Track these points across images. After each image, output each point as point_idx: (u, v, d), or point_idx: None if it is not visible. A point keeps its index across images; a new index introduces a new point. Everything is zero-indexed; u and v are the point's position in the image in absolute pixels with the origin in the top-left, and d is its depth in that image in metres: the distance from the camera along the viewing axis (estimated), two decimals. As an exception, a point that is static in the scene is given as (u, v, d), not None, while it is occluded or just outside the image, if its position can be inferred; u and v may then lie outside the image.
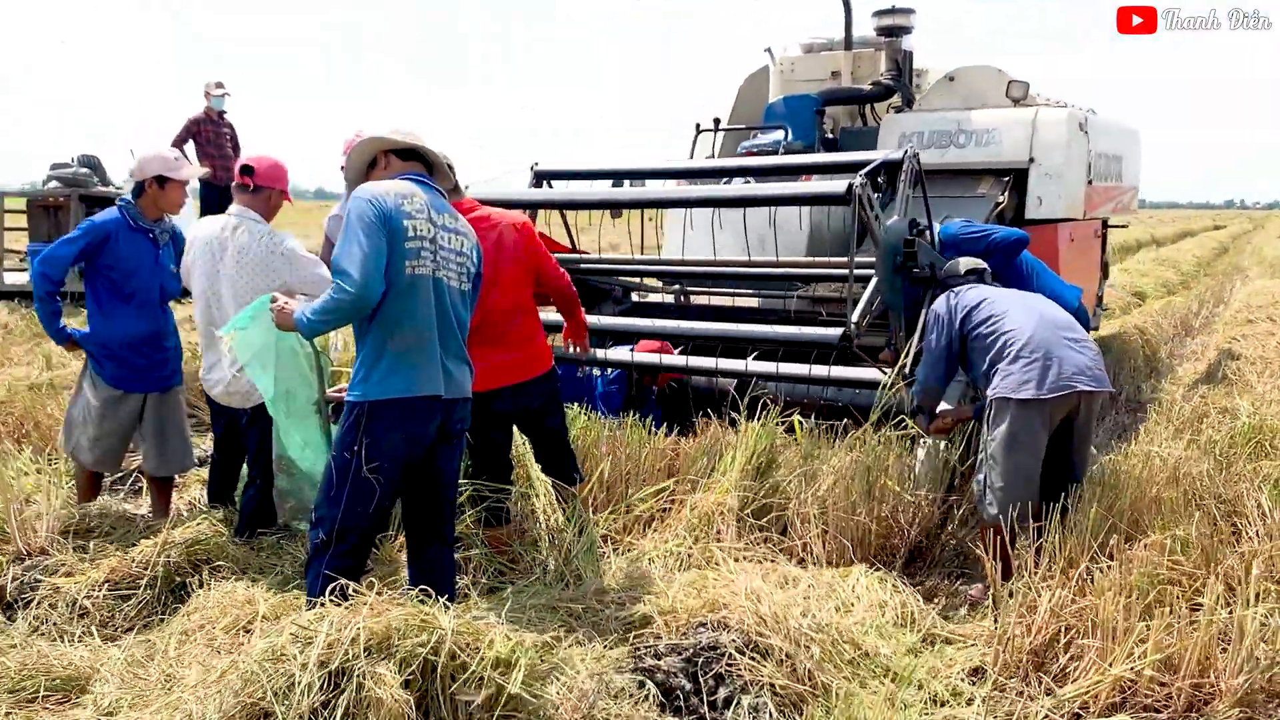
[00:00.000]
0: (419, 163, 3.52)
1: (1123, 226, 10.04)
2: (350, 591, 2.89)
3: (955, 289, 4.39)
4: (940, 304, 4.36)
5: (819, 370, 4.90)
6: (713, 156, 7.56)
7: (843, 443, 4.64)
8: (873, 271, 4.74)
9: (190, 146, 10.60)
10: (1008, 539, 3.97)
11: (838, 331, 4.56)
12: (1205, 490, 4.47)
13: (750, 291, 6.38)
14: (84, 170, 11.40)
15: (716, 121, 7.61)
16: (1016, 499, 4.00)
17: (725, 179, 5.93)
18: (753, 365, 5.04)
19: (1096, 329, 9.34)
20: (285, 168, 4.50)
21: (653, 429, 5.06)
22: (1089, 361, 4.08)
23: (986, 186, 6.84)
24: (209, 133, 10.64)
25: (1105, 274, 9.22)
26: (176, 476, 5.07)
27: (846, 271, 4.80)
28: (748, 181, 6.57)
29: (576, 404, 5.23)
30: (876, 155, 4.96)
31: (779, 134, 7.51)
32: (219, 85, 10.70)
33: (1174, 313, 12.15)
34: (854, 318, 4.52)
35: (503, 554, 4.27)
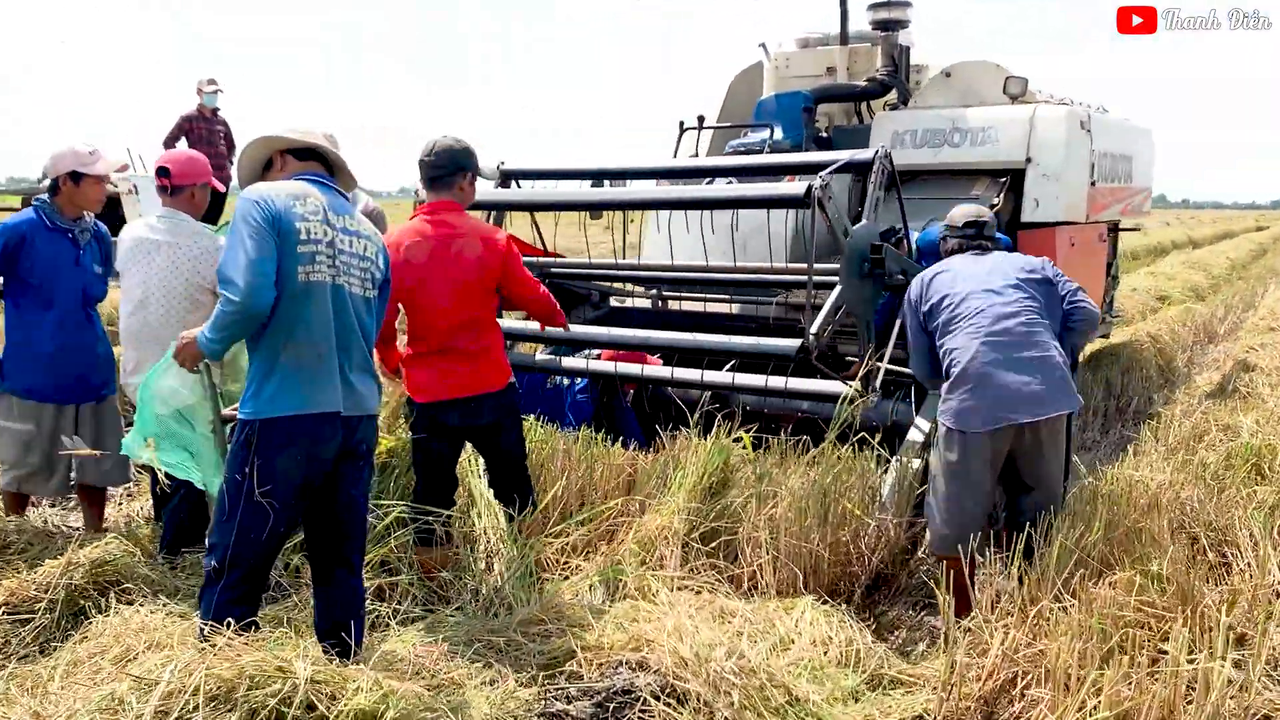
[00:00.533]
0: (318, 163, 3.27)
1: (1134, 229, 9.64)
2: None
3: (934, 266, 4.14)
4: (913, 286, 4.09)
5: (775, 382, 4.62)
6: (697, 155, 7.28)
7: (805, 459, 4.35)
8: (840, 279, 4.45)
9: (183, 144, 10.47)
10: (966, 570, 3.67)
11: (796, 343, 4.28)
12: (1194, 518, 4.14)
13: (728, 298, 6.09)
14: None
15: (701, 119, 7.33)
16: (955, 529, 3.76)
17: (703, 179, 5.64)
18: (709, 376, 4.77)
19: (1106, 336, 8.96)
20: (203, 161, 4.33)
21: (608, 443, 4.79)
22: (1038, 385, 3.75)
23: (981, 188, 6.51)
24: (201, 130, 10.50)
25: (1114, 279, 8.82)
26: (112, 489, 4.87)
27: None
28: (730, 182, 6.31)
29: (547, 416, 4.99)
30: (842, 155, 4.67)
31: (767, 132, 7.23)
32: (211, 82, 10.56)
33: (1197, 319, 11.68)
34: (813, 329, 4.23)
35: (434, 579, 4.03)
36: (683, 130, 7.28)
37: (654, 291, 6.35)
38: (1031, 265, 4.09)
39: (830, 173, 4.29)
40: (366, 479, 3.38)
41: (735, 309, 6.14)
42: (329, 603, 3.31)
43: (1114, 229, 8.39)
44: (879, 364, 4.72)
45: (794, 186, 4.23)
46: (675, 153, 7.28)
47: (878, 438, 4.56)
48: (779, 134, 7.17)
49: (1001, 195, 6.40)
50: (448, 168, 3.96)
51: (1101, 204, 7.15)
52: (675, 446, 4.56)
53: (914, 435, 4.69)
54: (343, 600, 3.31)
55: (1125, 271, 13.23)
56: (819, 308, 4.31)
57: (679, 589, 3.83)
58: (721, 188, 4.64)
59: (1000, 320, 3.84)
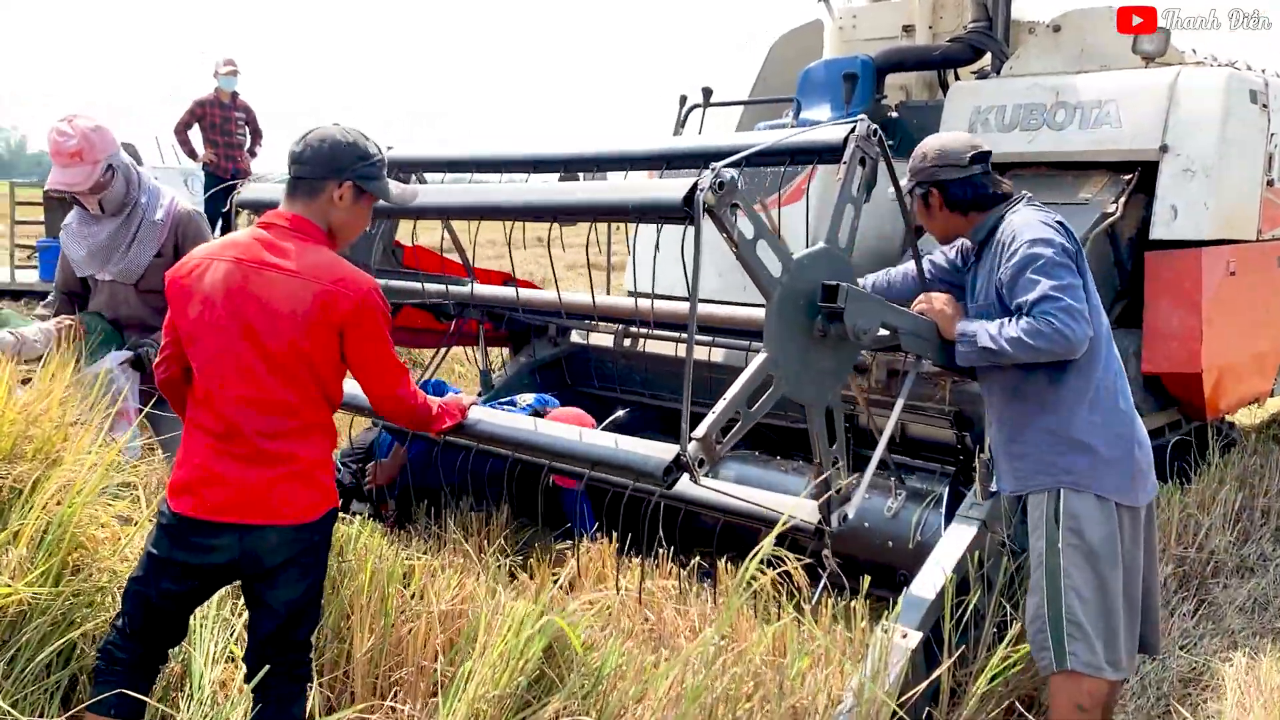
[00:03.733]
0: None
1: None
2: None
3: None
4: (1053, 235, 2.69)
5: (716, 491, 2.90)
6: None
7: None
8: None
9: (195, 132, 9.41)
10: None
11: (667, 456, 2.51)
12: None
13: (710, 341, 4.30)
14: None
15: (707, 93, 5.54)
16: (1127, 639, 2.69)
17: (626, 169, 3.83)
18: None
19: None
20: None
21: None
22: None
23: (1094, 189, 4.50)
24: (216, 116, 9.38)
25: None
26: None
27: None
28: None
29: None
30: (764, 137, 2.85)
31: (826, 110, 5.41)
32: (229, 63, 9.43)
33: None
34: (697, 432, 2.46)
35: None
36: (686, 108, 5.53)
37: (618, 328, 4.63)
38: None
39: (734, 163, 2.50)
40: None
41: (719, 356, 4.36)
42: None
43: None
44: (856, 479, 2.91)
45: (667, 188, 2.46)
46: (677, 132, 5.54)
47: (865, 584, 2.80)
48: (826, 111, 5.35)
49: (1123, 200, 4.39)
50: (311, 167, 2.50)
51: (1282, 214, 4.98)
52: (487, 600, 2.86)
53: (944, 562, 2.92)
54: None
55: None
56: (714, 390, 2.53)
57: None
58: (574, 189, 2.92)
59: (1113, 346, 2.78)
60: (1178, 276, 4.28)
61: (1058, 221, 2.69)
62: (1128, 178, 4.46)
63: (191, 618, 2.66)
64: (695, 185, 2.38)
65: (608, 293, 4.80)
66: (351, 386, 2.58)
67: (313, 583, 2.50)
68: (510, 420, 3.08)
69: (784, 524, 2.61)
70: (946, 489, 3.67)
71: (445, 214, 3.39)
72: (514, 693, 2.49)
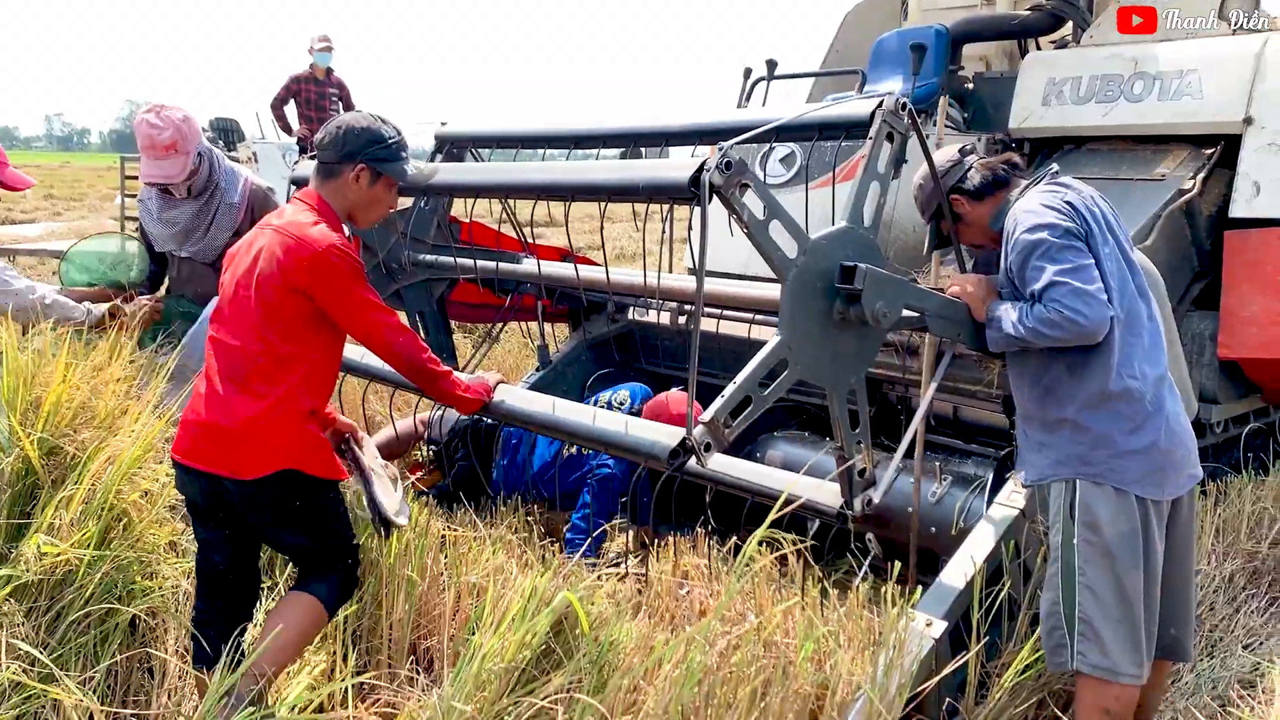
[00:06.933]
0: None
1: None
2: None
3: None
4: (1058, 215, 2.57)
5: (728, 463, 2.89)
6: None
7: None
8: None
9: (291, 108, 9.68)
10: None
11: (672, 441, 2.50)
12: None
13: (750, 319, 4.24)
14: (210, 135, 10.80)
15: (771, 66, 5.44)
16: (1145, 639, 2.54)
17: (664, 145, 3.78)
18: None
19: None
20: None
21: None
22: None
23: (1171, 164, 4.30)
24: (311, 93, 9.65)
25: None
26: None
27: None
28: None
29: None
30: (843, 109, 2.79)
31: (898, 83, 5.28)
32: (323, 39, 9.67)
33: None
34: (704, 416, 2.44)
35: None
36: (751, 81, 5.44)
37: (672, 306, 4.62)
38: None
39: (746, 140, 2.45)
40: None
41: (757, 334, 4.29)
42: None
43: None
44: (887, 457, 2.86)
45: (675, 168, 2.44)
46: (741, 105, 5.46)
47: (894, 570, 2.77)
48: (894, 84, 5.22)
49: (1202, 176, 4.18)
50: (330, 152, 2.72)
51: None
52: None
53: (975, 550, 2.87)
54: None
55: None
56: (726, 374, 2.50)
57: None
58: (579, 169, 2.89)
59: (1157, 329, 2.65)
60: (1258, 257, 4.06)
61: (1065, 202, 2.58)
62: (1209, 152, 4.25)
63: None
64: (702, 166, 2.35)
65: (670, 270, 4.79)
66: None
67: (314, 534, 2.67)
68: (530, 401, 3.10)
69: (788, 505, 2.57)
70: (991, 474, 3.57)
71: (458, 192, 3.44)
72: (521, 666, 2.53)
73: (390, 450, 4.30)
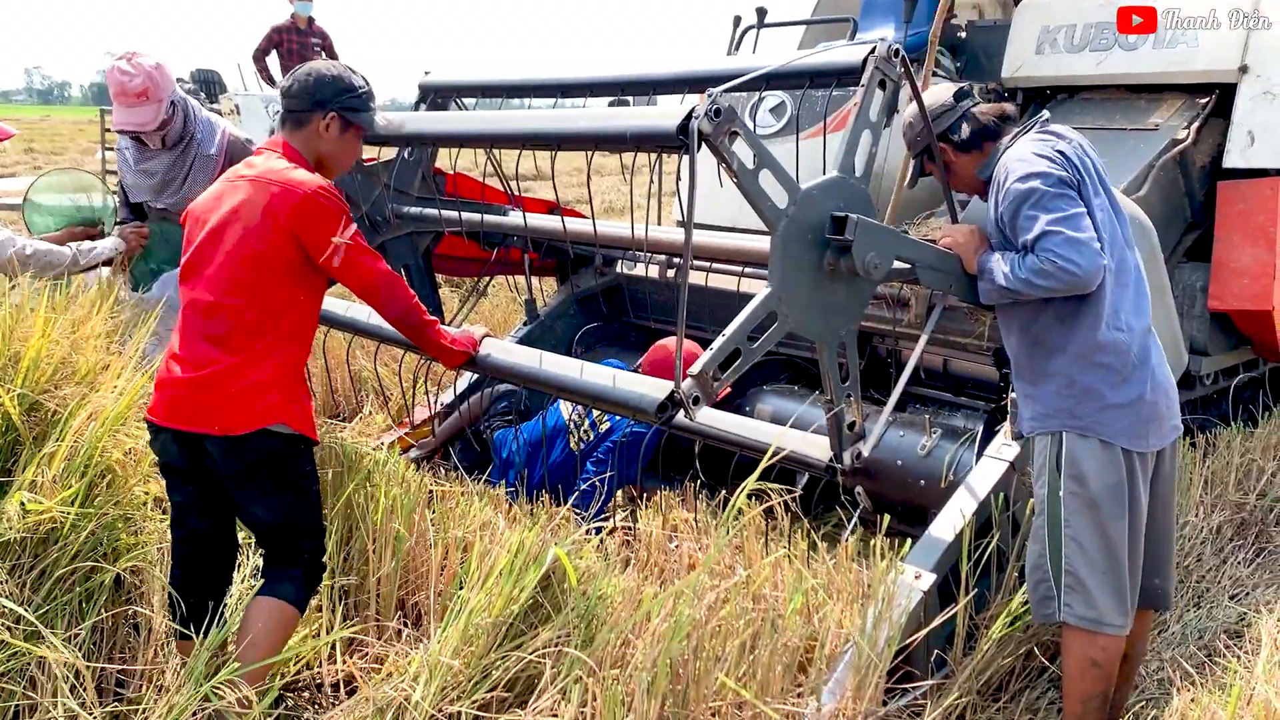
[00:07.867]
0: None
1: None
2: None
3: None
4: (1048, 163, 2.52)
5: (721, 417, 2.88)
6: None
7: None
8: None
9: (273, 59, 9.52)
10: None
11: (660, 394, 2.47)
12: None
13: (739, 272, 4.20)
14: (191, 86, 10.61)
15: (761, 14, 5.35)
16: (1130, 589, 2.56)
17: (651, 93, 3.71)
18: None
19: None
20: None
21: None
22: None
23: (1166, 113, 4.25)
24: (293, 43, 9.49)
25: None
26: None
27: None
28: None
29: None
30: (835, 56, 2.74)
31: (889, 30, 5.20)
32: (304, -12, 9.50)
33: None
34: (694, 368, 2.42)
35: None
36: (740, 29, 5.35)
37: (661, 259, 4.57)
38: None
39: (734, 88, 2.40)
40: None
41: (746, 287, 4.26)
42: None
43: None
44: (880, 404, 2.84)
45: (663, 116, 2.38)
46: (731, 53, 5.38)
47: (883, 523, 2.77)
48: (885, 33, 5.14)
49: (1197, 126, 4.14)
50: (298, 100, 2.67)
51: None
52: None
53: (964, 503, 2.88)
54: None
55: None
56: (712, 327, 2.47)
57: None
58: (564, 117, 2.83)
59: (1142, 281, 2.63)
60: (1251, 208, 4.03)
61: (1057, 150, 2.53)
62: (1203, 101, 4.20)
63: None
64: (691, 113, 2.30)
65: (659, 222, 4.74)
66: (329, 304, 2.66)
67: (282, 505, 2.60)
68: (517, 355, 3.06)
69: (774, 457, 2.56)
70: (981, 427, 3.56)
71: (436, 141, 3.39)
72: (508, 620, 2.52)
73: None
